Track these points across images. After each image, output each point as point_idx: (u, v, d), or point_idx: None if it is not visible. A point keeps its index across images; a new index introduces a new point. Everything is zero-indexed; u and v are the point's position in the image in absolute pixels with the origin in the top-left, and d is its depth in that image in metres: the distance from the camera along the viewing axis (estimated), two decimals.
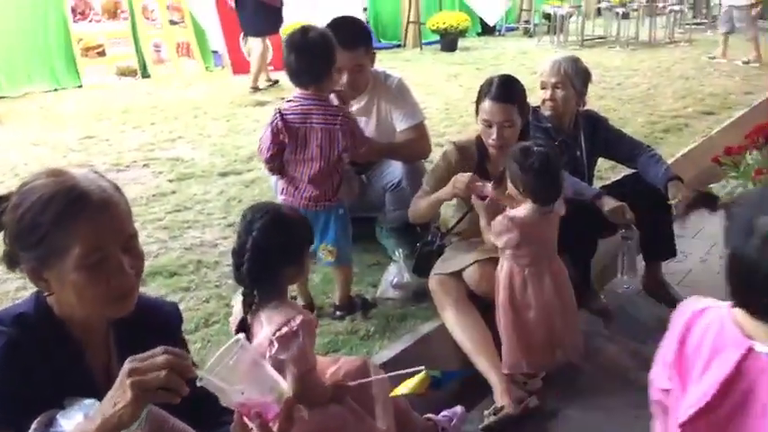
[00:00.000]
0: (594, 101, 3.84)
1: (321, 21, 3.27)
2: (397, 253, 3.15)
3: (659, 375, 1.43)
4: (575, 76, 3.27)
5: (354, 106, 3.31)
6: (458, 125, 6.07)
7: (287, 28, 7.10)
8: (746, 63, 9.59)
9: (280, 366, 1.76)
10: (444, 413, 2.37)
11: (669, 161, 3.69)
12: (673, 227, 3.23)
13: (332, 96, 2.91)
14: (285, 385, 1.26)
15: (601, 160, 3.62)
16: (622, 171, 4.00)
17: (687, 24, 13.98)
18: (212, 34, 9.51)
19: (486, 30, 13.83)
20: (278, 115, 2.74)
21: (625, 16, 12.64)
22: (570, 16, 12.93)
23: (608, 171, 4.46)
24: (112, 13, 8.71)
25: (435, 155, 3.66)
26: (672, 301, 3.27)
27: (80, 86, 8.27)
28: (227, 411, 1.58)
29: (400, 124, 3.37)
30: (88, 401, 1.25)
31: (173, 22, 9.30)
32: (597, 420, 2.52)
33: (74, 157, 5.22)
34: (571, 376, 2.74)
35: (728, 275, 1.27)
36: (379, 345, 2.69)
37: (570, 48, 11.46)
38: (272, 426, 1.24)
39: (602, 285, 3.39)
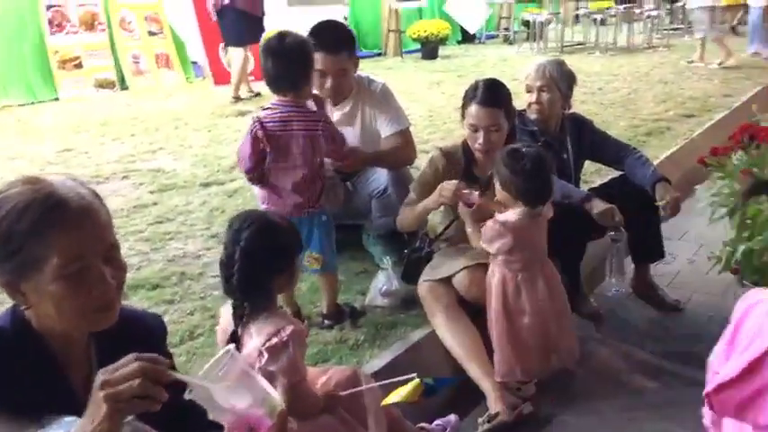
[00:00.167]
0: (577, 105, 3.86)
1: (303, 30, 3.23)
2: (385, 260, 3.11)
3: (716, 358, 1.50)
4: (560, 79, 3.26)
5: (338, 112, 3.28)
6: (441, 131, 6.05)
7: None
8: (720, 65, 9.69)
9: (270, 378, 1.70)
10: (438, 422, 2.32)
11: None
12: (660, 228, 3.21)
13: (309, 102, 2.87)
14: (278, 397, 1.21)
15: (586, 164, 3.61)
16: (608, 175, 3.99)
17: (665, 30, 14.11)
18: (192, 45, 9.44)
19: (467, 38, 13.89)
20: (257, 124, 2.67)
21: (602, 22, 12.73)
22: (549, 23, 13.01)
23: (593, 175, 4.47)
24: (90, 25, 8.62)
25: (420, 161, 3.63)
26: (661, 303, 3.27)
27: (57, 99, 8.16)
28: (214, 426, 1.53)
29: (385, 130, 3.33)
30: (68, 419, 1.19)
31: (151, 34, 9.22)
32: (591, 425, 2.49)
33: (52, 170, 5.12)
34: (564, 381, 2.71)
35: None
36: (369, 353, 2.64)
37: (550, 54, 11.50)
38: None
39: (592, 289, 3.37)
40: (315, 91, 3.14)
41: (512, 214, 2.51)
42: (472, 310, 2.75)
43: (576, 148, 3.32)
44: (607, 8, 13.79)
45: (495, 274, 2.56)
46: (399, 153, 3.37)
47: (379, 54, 12.04)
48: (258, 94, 7.85)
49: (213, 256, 3.52)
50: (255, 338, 1.82)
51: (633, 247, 3.16)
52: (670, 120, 6.46)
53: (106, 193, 4.36)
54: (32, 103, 7.95)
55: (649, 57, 11.21)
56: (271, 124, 2.67)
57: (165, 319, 2.32)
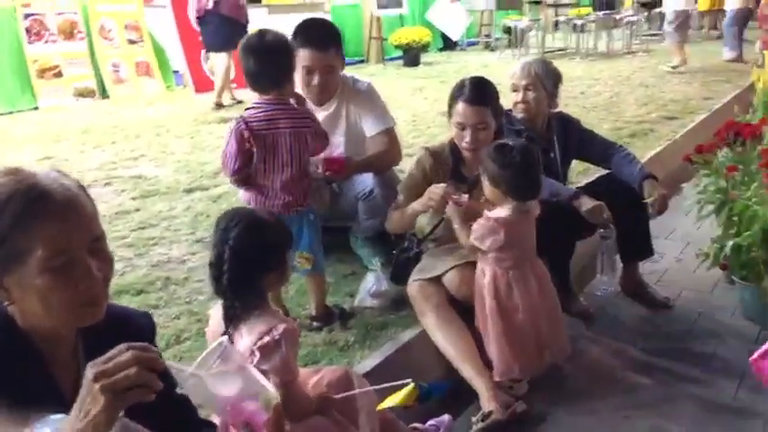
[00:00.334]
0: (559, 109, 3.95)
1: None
2: (374, 261, 3.08)
3: None
4: (545, 78, 3.25)
5: (323, 113, 3.25)
6: (426, 136, 6.04)
7: None
8: (675, 68, 9.86)
9: None
10: (431, 422, 2.29)
11: None
12: (649, 225, 3.21)
13: (291, 101, 2.83)
14: (273, 390, 1.17)
15: (572, 164, 3.60)
16: (594, 176, 3.99)
17: (643, 35, 14.23)
18: (172, 53, 9.37)
19: (448, 45, 13.93)
20: (242, 124, 2.62)
21: (582, 29, 12.82)
22: (530, 30, 13.09)
23: (580, 175, 4.46)
24: (69, 34, 8.53)
25: (405, 165, 3.61)
26: (651, 301, 3.26)
27: (36, 108, 8.06)
28: (206, 424, 1.50)
29: (370, 129, 3.31)
30: (56, 417, 1.15)
31: (131, 42, 9.14)
32: (585, 423, 2.46)
33: None
34: (556, 379, 2.69)
35: None
36: (359, 354, 2.60)
37: None
38: None
39: (581, 288, 3.36)
40: (300, 89, 3.11)
41: (502, 210, 2.49)
42: (461, 309, 2.72)
43: (563, 146, 3.32)
44: (586, 15, 13.91)
45: (486, 273, 2.54)
46: (386, 156, 3.34)
47: (362, 61, 12.04)
48: (240, 102, 7.80)
49: (198, 261, 3.47)
50: (246, 338, 1.78)
51: (621, 245, 3.14)
52: (653, 122, 6.50)
53: None
54: (11, 112, 7.84)
55: (629, 62, 11.29)
56: (256, 123, 2.63)
57: None
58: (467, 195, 2.61)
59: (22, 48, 8.14)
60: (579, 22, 12.91)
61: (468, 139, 2.76)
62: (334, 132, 3.20)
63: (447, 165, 2.88)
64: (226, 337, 1.17)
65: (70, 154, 5.83)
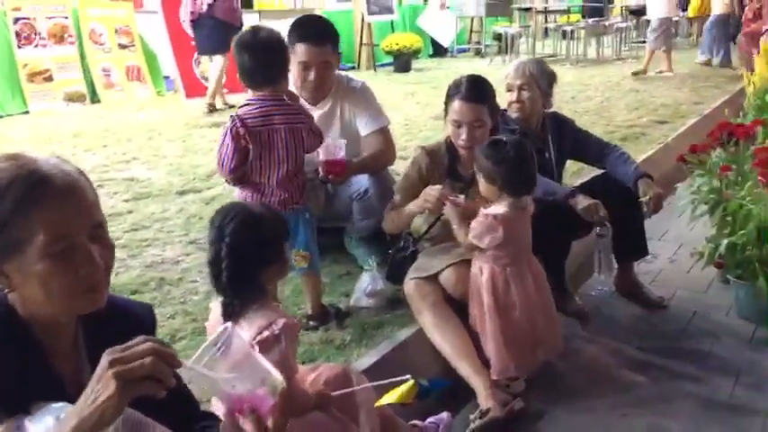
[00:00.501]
0: None
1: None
2: (370, 261, 3.07)
3: None
4: (540, 77, 3.26)
5: (318, 111, 3.23)
6: (418, 139, 6.02)
7: None
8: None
9: None
10: (430, 420, 2.28)
11: None
12: (643, 225, 3.22)
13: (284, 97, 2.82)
14: (279, 376, 1.15)
15: (566, 165, 3.60)
16: (588, 176, 4.00)
17: (633, 42, 14.34)
18: (164, 58, 9.35)
19: (438, 51, 13.96)
20: (237, 121, 2.60)
21: (571, 36, 12.88)
22: (520, 36, 13.14)
23: (573, 177, 4.47)
24: (59, 38, 8.48)
25: (398, 167, 3.61)
26: (646, 301, 3.27)
27: (27, 113, 8.00)
28: (208, 416, 1.48)
29: (365, 129, 3.30)
30: (57, 405, 1.13)
31: (122, 46, 9.11)
32: (582, 421, 2.45)
33: None
34: (553, 378, 2.68)
35: None
36: (356, 353, 2.59)
37: None
38: (267, 420, 1.13)
39: (576, 288, 3.36)
40: (296, 85, 3.10)
41: (499, 207, 2.48)
42: (457, 308, 2.71)
43: (558, 146, 3.32)
44: (576, 21, 13.98)
45: (483, 271, 2.53)
46: (381, 157, 3.33)
47: (353, 67, 12.04)
48: (232, 107, 7.77)
49: (192, 262, 3.45)
50: (246, 332, 1.76)
51: (616, 245, 3.14)
52: (644, 126, 6.54)
53: None
54: (1, 116, 7.78)
55: (619, 68, 11.36)
56: (251, 120, 2.61)
57: None
58: (463, 196, 2.60)
59: (12, 52, 8.09)
60: (569, 29, 12.99)
61: (464, 136, 2.76)
62: (328, 132, 3.19)
63: (443, 164, 2.88)
64: (230, 323, 1.16)
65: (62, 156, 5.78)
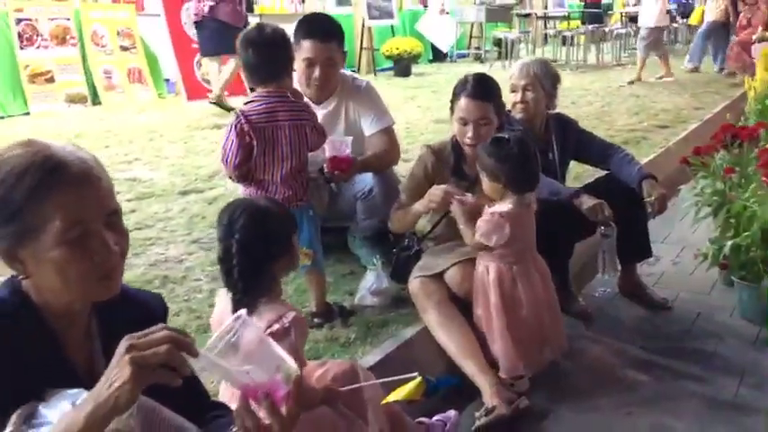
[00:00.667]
0: None
1: None
2: (374, 260, 3.06)
3: None
4: (544, 78, 3.27)
5: (323, 111, 3.23)
6: (420, 142, 6.01)
7: None
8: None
9: None
10: (437, 417, 2.27)
11: None
12: (647, 226, 3.22)
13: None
14: (293, 364, 1.15)
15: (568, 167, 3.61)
16: (591, 179, 4.00)
17: (632, 48, 14.38)
18: (165, 61, 9.35)
19: (438, 56, 13.99)
20: (241, 118, 2.61)
21: (571, 41, 12.92)
22: (520, 42, 13.18)
23: (574, 182, 4.47)
24: (61, 40, 8.48)
25: (401, 169, 3.61)
26: (650, 302, 3.27)
27: (27, 114, 7.99)
28: (218, 406, 1.48)
29: (369, 128, 3.30)
30: (72, 391, 1.13)
31: (123, 48, 9.11)
32: (588, 420, 2.45)
33: None
34: (557, 377, 2.68)
35: None
36: (361, 351, 2.58)
37: None
38: (282, 407, 1.13)
39: (580, 289, 3.36)
40: (300, 83, 3.10)
41: (504, 205, 2.49)
42: (461, 306, 2.71)
43: (562, 147, 3.32)
44: (576, 28, 14.02)
45: (490, 270, 2.53)
46: (385, 156, 3.33)
47: (353, 71, 12.04)
48: (232, 109, 7.77)
49: (195, 261, 3.45)
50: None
51: (620, 246, 3.14)
52: (645, 130, 6.55)
53: None
54: (2, 117, 7.77)
55: (619, 73, 11.38)
56: (255, 116, 2.62)
57: None
58: (470, 194, 2.60)
59: (14, 53, 8.08)
60: (569, 35, 13.02)
61: (470, 134, 2.76)
62: (333, 131, 3.19)
63: (449, 162, 2.88)
64: (245, 310, 1.16)
65: None
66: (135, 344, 1.03)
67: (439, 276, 2.74)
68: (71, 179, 1.17)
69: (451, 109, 2.84)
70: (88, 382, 1.16)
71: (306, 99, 3.00)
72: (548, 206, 2.77)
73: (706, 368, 2.76)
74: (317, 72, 3.08)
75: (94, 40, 8.83)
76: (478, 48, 14.56)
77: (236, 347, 1.11)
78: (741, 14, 10.44)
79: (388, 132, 3.33)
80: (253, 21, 10.13)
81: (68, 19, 8.63)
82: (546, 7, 17.16)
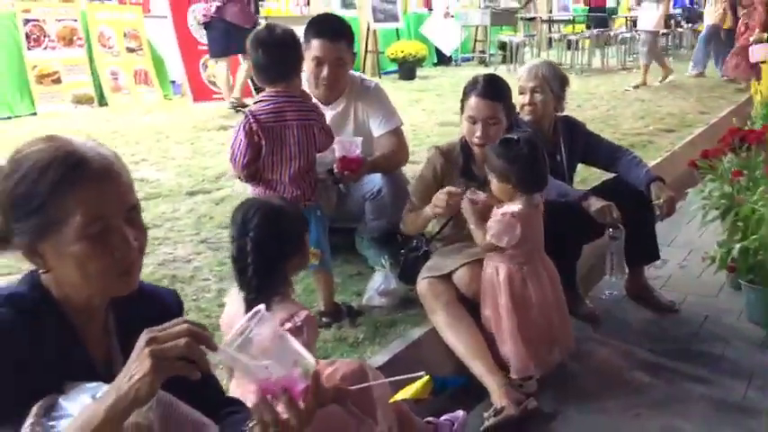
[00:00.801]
0: None
1: None
2: (382, 261, 3.07)
3: None
4: (552, 80, 3.28)
5: (332, 112, 3.24)
6: (426, 145, 6.03)
7: None
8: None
9: None
10: (445, 417, 2.27)
11: None
12: (655, 228, 3.22)
13: None
14: (311, 359, 1.16)
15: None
16: (597, 182, 4.00)
17: (637, 53, 14.37)
18: (171, 62, 9.38)
19: (442, 60, 14.00)
20: (250, 117, 2.63)
21: (576, 45, 12.92)
22: (524, 46, 13.19)
23: (581, 185, 4.47)
24: (68, 41, 8.51)
25: (407, 170, 3.62)
26: (657, 305, 3.27)
27: (34, 114, 8.02)
28: (233, 402, 1.49)
29: (378, 129, 3.31)
30: (92, 385, 1.14)
31: (130, 50, 9.13)
32: (596, 421, 2.46)
33: None
34: (565, 379, 2.68)
35: None
36: (369, 350, 2.59)
37: None
38: (299, 402, 1.14)
39: (587, 291, 3.36)
40: (309, 82, 3.11)
41: (514, 206, 2.49)
42: (469, 307, 2.72)
43: (569, 149, 3.33)
44: (581, 32, 14.03)
45: (500, 271, 2.53)
46: (393, 157, 3.34)
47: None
48: (240, 110, 7.80)
49: (203, 261, 3.47)
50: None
51: (628, 249, 3.15)
52: (651, 134, 6.55)
53: None
54: (10, 117, 7.80)
55: (624, 77, 11.38)
56: (264, 116, 2.64)
57: None
58: (482, 192, 2.60)
59: (22, 53, 8.11)
60: (574, 39, 13.03)
61: (478, 133, 2.77)
62: (342, 132, 3.20)
63: (457, 163, 2.89)
64: (263, 306, 1.17)
65: None
66: (155, 336, 1.04)
67: (447, 277, 2.75)
68: (93, 175, 1.18)
69: (462, 109, 2.85)
70: (106, 377, 1.17)
71: (314, 100, 3.01)
72: (556, 208, 2.77)
73: (714, 371, 2.76)
74: (325, 71, 3.09)
75: (101, 41, 8.85)
76: (483, 51, 14.56)
77: (254, 343, 1.12)
78: (740, 20, 10.45)
79: (396, 133, 3.34)
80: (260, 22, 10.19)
81: (75, 20, 8.67)
82: (551, 11, 17.17)
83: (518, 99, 3.30)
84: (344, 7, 12.91)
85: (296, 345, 1.17)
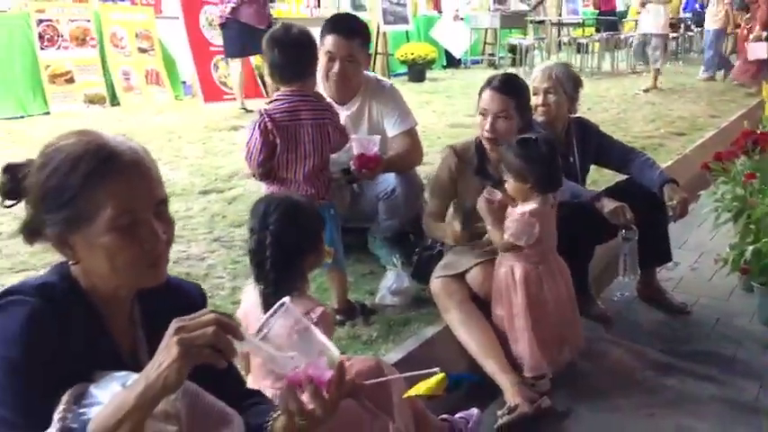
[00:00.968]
0: None
1: None
2: (394, 260, 3.09)
3: None
4: (566, 81, 3.29)
5: (346, 112, 3.26)
6: (437, 146, 6.01)
7: None
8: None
9: None
10: (460, 414, 2.29)
11: None
12: (668, 230, 3.23)
13: None
14: (336, 350, 1.18)
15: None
16: (609, 184, 4.01)
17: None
18: (182, 63, 9.43)
19: (452, 62, 14.02)
20: (265, 116, 2.65)
21: (586, 48, 12.93)
22: (534, 48, 13.20)
23: (592, 187, 4.47)
24: (81, 41, 8.57)
25: (420, 170, 3.64)
26: (669, 307, 3.27)
27: (47, 113, 8.08)
28: (254, 394, 1.51)
29: (392, 129, 3.32)
30: (120, 373, 1.16)
31: (142, 50, 9.19)
32: (611, 420, 2.47)
33: None
34: (578, 378, 2.70)
35: None
36: (383, 348, 2.61)
37: None
38: (325, 392, 1.16)
39: (598, 292, 3.37)
40: (321, 77, 3.12)
41: (531, 204, 2.50)
42: (480, 306, 2.74)
43: (583, 150, 3.34)
44: (590, 35, 14.03)
45: (516, 270, 2.54)
46: (407, 157, 3.34)
47: None
48: (250, 111, 7.83)
49: (217, 259, 3.49)
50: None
51: (640, 250, 3.15)
52: (662, 137, 6.56)
53: None
54: (23, 116, 7.86)
55: (634, 81, 11.38)
56: (279, 115, 2.66)
57: None
58: (498, 192, 2.61)
59: (35, 53, 8.18)
60: (583, 42, 13.03)
61: (487, 126, 2.78)
62: (357, 131, 3.22)
63: (472, 163, 2.90)
64: (288, 298, 1.19)
65: None
66: (184, 326, 1.06)
67: (460, 276, 2.76)
68: (123, 168, 1.20)
69: (478, 104, 2.86)
70: (132, 367, 1.19)
71: (329, 100, 3.03)
72: (569, 208, 2.79)
73: (726, 372, 2.77)
74: (336, 67, 3.10)
75: (113, 41, 8.91)
76: (492, 54, 14.58)
77: (279, 334, 1.14)
78: (742, 24, 10.43)
79: (411, 134, 3.35)
80: None
81: (88, 20, 8.73)
82: (560, 14, 17.17)
83: (531, 100, 3.31)
84: (355, 9, 12.93)
85: (321, 336, 1.19)
